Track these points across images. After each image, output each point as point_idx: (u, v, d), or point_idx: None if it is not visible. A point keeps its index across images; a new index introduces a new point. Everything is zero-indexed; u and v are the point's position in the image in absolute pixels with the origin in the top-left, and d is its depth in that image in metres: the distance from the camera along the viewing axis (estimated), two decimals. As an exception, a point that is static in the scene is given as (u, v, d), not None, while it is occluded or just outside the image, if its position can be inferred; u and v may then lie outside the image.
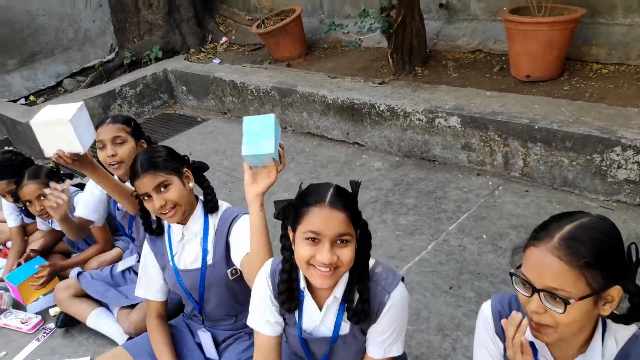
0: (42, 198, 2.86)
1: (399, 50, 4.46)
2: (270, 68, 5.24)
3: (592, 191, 3.06)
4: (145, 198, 1.96)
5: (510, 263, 1.55)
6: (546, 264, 1.18)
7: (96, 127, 2.46)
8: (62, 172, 3.09)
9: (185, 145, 4.82)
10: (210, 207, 2.09)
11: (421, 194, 3.45)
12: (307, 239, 1.45)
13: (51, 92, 6.51)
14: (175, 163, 2.02)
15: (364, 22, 4.25)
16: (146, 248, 2.18)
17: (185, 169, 2.05)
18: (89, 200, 2.82)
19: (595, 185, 3.04)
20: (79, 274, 2.86)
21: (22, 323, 2.96)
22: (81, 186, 3.12)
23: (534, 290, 1.20)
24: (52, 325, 2.94)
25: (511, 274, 1.27)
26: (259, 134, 1.67)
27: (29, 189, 2.88)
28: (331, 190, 1.47)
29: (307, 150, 4.36)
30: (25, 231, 3.43)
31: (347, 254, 1.45)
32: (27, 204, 2.93)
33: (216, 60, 6.01)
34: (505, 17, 3.74)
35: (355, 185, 1.56)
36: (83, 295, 2.83)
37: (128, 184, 2.30)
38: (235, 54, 6.30)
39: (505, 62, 4.12)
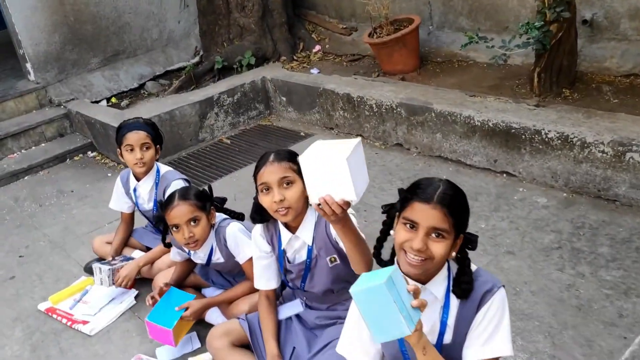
0: (192, 223, 2.42)
1: (548, 69, 3.93)
2: (388, 82, 4.74)
3: None
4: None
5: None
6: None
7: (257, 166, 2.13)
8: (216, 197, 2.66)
9: (295, 163, 4.34)
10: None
11: (615, 242, 2.90)
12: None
13: (133, 95, 6.10)
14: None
15: (517, 34, 3.75)
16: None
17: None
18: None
19: None
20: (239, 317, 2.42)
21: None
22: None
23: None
24: (194, 379, 2.45)
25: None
26: (383, 311, 1.39)
27: (181, 210, 2.42)
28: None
29: (444, 177, 3.83)
30: (132, 221, 3.34)
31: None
32: (173, 229, 2.47)
33: (314, 70, 5.54)
34: None
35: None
36: (243, 345, 2.36)
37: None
38: (332, 64, 5.82)
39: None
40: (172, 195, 2.48)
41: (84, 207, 4.30)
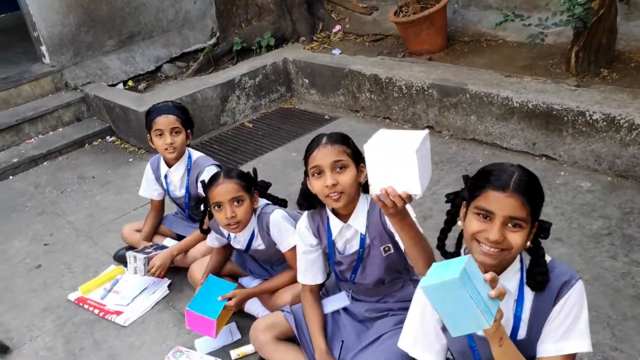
0: (235, 203, 2.34)
1: (587, 48, 3.78)
2: (416, 62, 4.59)
3: None
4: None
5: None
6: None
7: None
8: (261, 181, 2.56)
9: (323, 147, 4.21)
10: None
11: (668, 228, 2.78)
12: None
13: (150, 78, 5.96)
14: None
15: (556, 12, 3.59)
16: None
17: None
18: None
19: None
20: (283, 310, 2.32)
21: (201, 369, 2.38)
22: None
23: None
24: (238, 373, 2.36)
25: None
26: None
27: (225, 188, 2.33)
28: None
29: (480, 161, 3.71)
30: (162, 208, 3.23)
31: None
32: (215, 208, 2.37)
33: (336, 51, 5.38)
34: None
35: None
36: (288, 339, 2.26)
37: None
38: (354, 44, 5.66)
39: None
40: (217, 174, 2.39)
41: (107, 193, 4.20)
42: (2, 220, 4.08)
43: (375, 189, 1.52)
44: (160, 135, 2.84)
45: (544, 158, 3.60)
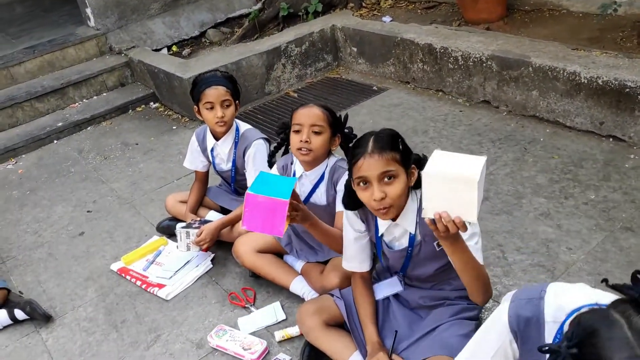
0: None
1: (664, 20, 3.47)
2: (473, 32, 4.32)
3: None
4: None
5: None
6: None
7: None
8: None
9: (371, 120, 4.02)
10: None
11: None
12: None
13: (195, 43, 5.84)
14: None
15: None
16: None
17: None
18: None
19: None
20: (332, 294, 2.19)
21: (245, 349, 2.29)
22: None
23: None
24: (284, 357, 2.26)
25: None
26: None
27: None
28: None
29: (541, 140, 3.47)
30: (207, 179, 3.12)
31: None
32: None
33: (386, 19, 5.14)
34: None
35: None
36: (338, 324, 2.14)
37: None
38: (406, 11, 5.41)
39: None
40: (305, 103, 2.35)
41: (150, 161, 4.13)
42: (46, 184, 4.07)
43: (429, 213, 1.51)
44: (210, 108, 2.70)
45: (611, 139, 3.34)
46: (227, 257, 2.88)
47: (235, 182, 2.97)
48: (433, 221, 1.52)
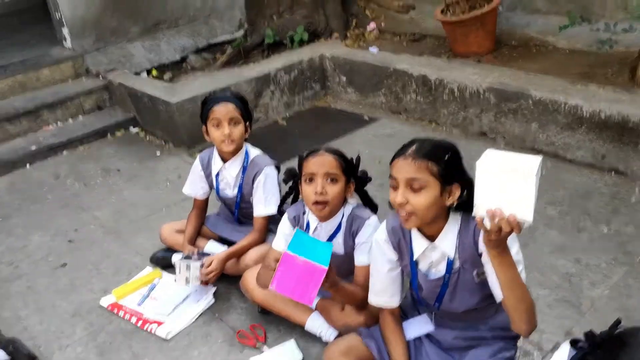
0: (329, 181, 2.14)
1: (656, 57, 3.55)
2: (467, 64, 4.33)
3: None
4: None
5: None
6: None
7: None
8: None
9: (367, 150, 3.93)
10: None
11: None
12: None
13: (175, 68, 5.67)
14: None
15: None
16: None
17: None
18: None
19: None
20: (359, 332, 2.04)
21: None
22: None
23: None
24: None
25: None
26: None
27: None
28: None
29: (542, 173, 3.44)
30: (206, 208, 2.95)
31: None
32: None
33: (373, 49, 5.12)
34: None
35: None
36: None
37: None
38: (391, 43, 5.40)
39: None
40: (315, 150, 2.21)
41: (135, 188, 3.91)
42: (20, 211, 3.78)
43: (480, 211, 1.40)
44: (217, 125, 2.56)
45: (612, 173, 3.35)
46: (231, 291, 2.69)
47: (240, 210, 2.80)
48: (485, 222, 1.41)
